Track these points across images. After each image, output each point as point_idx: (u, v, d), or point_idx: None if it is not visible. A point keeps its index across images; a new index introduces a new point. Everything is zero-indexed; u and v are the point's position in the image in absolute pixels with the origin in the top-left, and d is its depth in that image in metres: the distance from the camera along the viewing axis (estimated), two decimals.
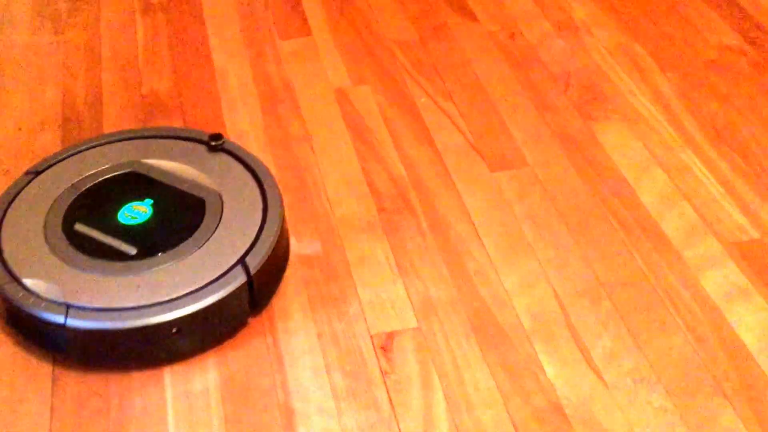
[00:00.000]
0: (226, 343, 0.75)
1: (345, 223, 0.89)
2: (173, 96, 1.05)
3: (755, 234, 0.87)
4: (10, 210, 0.79)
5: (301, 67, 1.10)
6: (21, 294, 0.72)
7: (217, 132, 0.89)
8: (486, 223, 0.89)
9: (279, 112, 1.03)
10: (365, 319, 0.78)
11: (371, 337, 0.76)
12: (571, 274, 0.83)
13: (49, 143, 0.98)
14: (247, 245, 0.76)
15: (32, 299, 0.71)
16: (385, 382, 0.73)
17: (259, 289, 0.76)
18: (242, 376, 0.73)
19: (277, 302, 0.79)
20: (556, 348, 0.76)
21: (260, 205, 0.80)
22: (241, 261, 0.74)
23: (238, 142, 0.98)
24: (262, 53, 1.12)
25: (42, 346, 0.74)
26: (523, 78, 1.08)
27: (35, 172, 0.83)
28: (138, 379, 0.73)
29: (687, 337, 0.77)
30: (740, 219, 0.89)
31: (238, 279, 0.73)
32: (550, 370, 0.74)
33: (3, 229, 0.77)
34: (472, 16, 1.19)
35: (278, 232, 0.78)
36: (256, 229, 0.78)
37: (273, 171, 0.94)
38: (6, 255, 0.75)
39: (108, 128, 1.01)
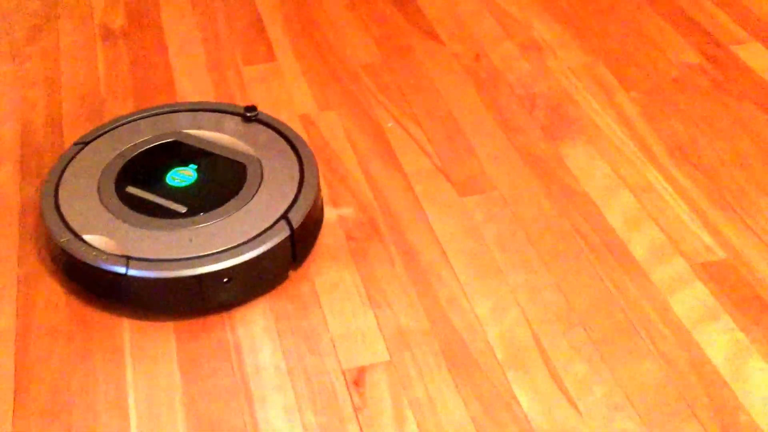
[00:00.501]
0: (267, 294, 0.82)
1: (313, 251, 0.88)
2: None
3: (721, 253, 0.88)
4: (63, 176, 0.86)
5: (265, 93, 1.09)
6: (83, 249, 0.78)
7: (251, 104, 0.95)
8: (456, 249, 0.88)
9: None
10: (336, 353, 0.77)
11: (343, 372, 0.75)
12: (542, 300, 0.83)
13: (8, 180, 0.96)
14: (289, 203, 0.83)
15: (94, 253, 0.78)
16: (357, 418, 0.72)
17: (299, 243, 0.83)
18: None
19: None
20: (529, 377, 0.76)
21: (297, 168, 0.88)
22: (284, 216, 0.82)
23: None
24: (226, 79, 1.11)
25: (103, 297, 0.81)
26: (488, 100, 1.09)
27: (83, 143, 0.90)
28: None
29: (658, 361, 0.77)
30: (706, 238, 0.90)
31: (282, 233, 0.80)
32: (524, 400, 0.74)
33: (60, 193, 0.84)
34: (436, 38, 1.19)
35: (316, 192, 0.86)
36: (295, 189, 0.85)
37: None
38: (65, 215, 0.82)
39: None
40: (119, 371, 0.76)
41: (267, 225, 0.81)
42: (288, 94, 1.09)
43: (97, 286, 0.80)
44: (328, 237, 0.89)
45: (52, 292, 0.82)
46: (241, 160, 0.88)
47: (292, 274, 0.84)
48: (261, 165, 0.87)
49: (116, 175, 0.86)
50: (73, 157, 0.88)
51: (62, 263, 0.82)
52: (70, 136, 1.02)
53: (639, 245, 0.89)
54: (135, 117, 0.94)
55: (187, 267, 0.77)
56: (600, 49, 1.17)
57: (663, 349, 0.78)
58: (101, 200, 0.83)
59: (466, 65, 1.14)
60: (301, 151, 0.89)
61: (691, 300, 0.83)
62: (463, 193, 0.95)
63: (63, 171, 0.87)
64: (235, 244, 0.79)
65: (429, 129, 1.04)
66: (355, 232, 0.90)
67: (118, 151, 0.89)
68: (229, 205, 0.83)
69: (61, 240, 0.79)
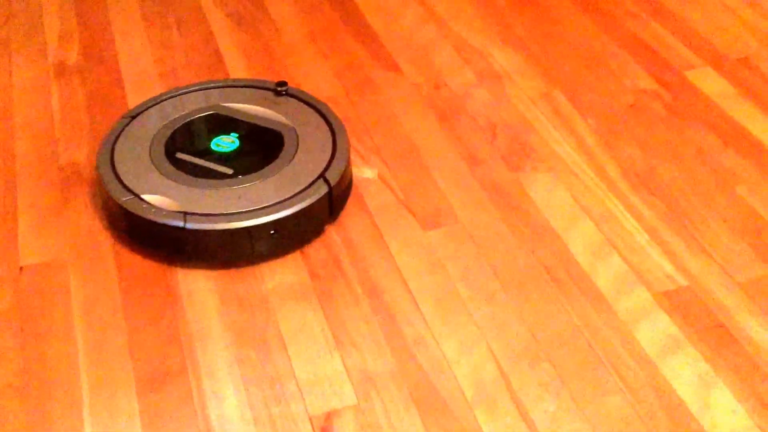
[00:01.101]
0: (306, 247, 0.91)
1: (277, 293, 0.87)
2: (93, 166, 1.01)
3: (683, 281, 0.89)
4: (116, 146, 0.96)
5: None
6: (144, 207, 0.88)
7: (282, 80, 1.05)
8: (421, 286, 0.88)
9: None
10: (303, 399, 0.77)
11: (310, 419, 0.75)
12: (509, 335, 0.83)
13: None
14: (325, 164, 0.93)
15: (154, 210, 0.87)
16: None
17: (336, 200, 0.93)
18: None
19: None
20: (498, 417, 0.75)
21: (329, 135, 0.97)
22: (322, 176, 0.92)
23: None
24: None
25: (163, 250, 0.90)
26: (450, 130, 1.09)
27: (131, 117, 1.00)
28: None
29: (626, 396, 0.77)
30: (667, 267, 0.91)
31: (321, 189, 0.91)
32: None
33: (115, 160, 0.94)
34: (396, 69, 1.19)
35: (348, 155, 0.96)
36: (330, 152, 0.95)
37: None
38: (123, 179, 0.91)
39: (23, 203, 0.97)
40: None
41: (307, 183, 0.91)
42: None
43: (157, 242, 0.89)
44: (292, 275, 0.88)
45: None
46: (277, 129, 0.97)
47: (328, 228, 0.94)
48: (296, 133, 0.97)
49: (165, 143, 0.95)
50: (122, 130, 0.98)
51: (122, 223, 0.91)
52: (23, 176, 1.00)
53: (602, 276, 0.90)
54: (175, 93, 1.04)
55: (239, 220, 0.86)
56: (557, 77, 1.19)
57: (630, 382, 0.79)
58: (154, 165, 0.93)
59: (427, 96, 1.15)
60: (331, 120, 1.00)
61: (655, 331, 0.84)
62: (427, 227, 0.95)
63: (116, 141, 0.96)
64: (279, 200, 0.89)
65: (391, 161, 1.04)
66: (319, 271, 0.89)
67: (163, 123, 0.98)
68: (271, 166, 0.93)
69: (123, 200, 0.89)
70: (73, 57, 1.20)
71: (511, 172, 1.03)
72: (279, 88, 1.02)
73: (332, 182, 0.91)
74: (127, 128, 0.98)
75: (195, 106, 1.01)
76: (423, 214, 0.97)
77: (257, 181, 0.91)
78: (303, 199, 0.89)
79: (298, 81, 1.16)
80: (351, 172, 0.99)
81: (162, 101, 1.01)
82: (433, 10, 1.32)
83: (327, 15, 1.30)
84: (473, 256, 0.92)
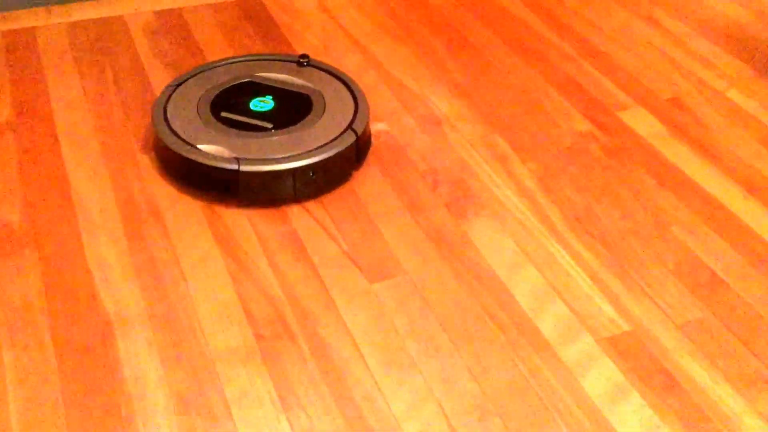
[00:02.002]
0: (335, 191, 1.06)
1: (221, 356, 0.85)
2: (26, 227, 0.99)
3: (626, 326, 0.91)
4: (167, 108, 1.09)
5: (164, 184, 1.06)
6: (201, 155, 1.01)
7: (304, 53, 1.20)
8: (369, 342, 0.88)
9: (144, 234, 0.99)
10: None
11: None
12: (458, 390, 0.83)
13: None
14: (350, 118, 1.09)
15: (211, 157, 1.01)
16: None
17: (360, 148, 1.09)
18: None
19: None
20: None
21: (350, 96, 1.13)
22: (350, 127, 1.08)
23: (101, 273, 0.93)
24: (123, 170, 1.08)
25: (218, 192, 1.03)
26: (392, 178, 1.09)
27: (176, 85, 1.14)
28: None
29: None
30: (610, 311, 0.93)
31: (351, 137, 1.06)
32: None
33: (168, 118, 1.07)
34: None
35: (368, 112, 1.11)
36: (353, 109, 1.11)
37: (141, 303, 0.90)
38: (180, 134, 1.05)
39: None
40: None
41: (338, 133, 1.07)
42: (189, 183, 1.06)
43: (213, 185, 1.02)
44: (235, 339, 0.87)
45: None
46: (305, 92, 1.13)
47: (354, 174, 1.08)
48: (322, 95, 1.12)
49: (210, 104, 1.09)
50: (170, 96, 1.11)
51: (182, 171, 1.04)
52: None
53: (547, 323, 0.91)
54: (209, 67, 1.18)
55: (284, 162, 1.01)
56: (496, 121, 1.20)
57: None
58: (204, 122, 1.07)
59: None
60: (350, 84, 1.15)
61: (600, 378, 0.85)
62: (373, 279, 0.95)
63: (166, 104, 1.10)
64: (315, 146, 1.04)
65: (335, 212, 1.04)
66: (264, 330, 0.88)
67: (204, 89, 1.12)
68: (304, 121, 1.08)
69: (183, 150, 1.02)
70: (5, 114, 1.17)
71: (454, 220, 1.04)
72: (302, 60, 1.17)
73: (359, 132, 1.07)
74: (173, 95, 1.12)
75: (229, 76, 1.16)
76: (368, 265, 0.97)
77: (294, 133, 1.06)
78: (336, 146, 1.04)
79: None
80: (370, 128, 1.14)
81: (198, 74, 1.16)
82: (373, 56, 1.33)
83: None
84: (419, 308, 0.92)
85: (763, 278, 0.97)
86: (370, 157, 1.12)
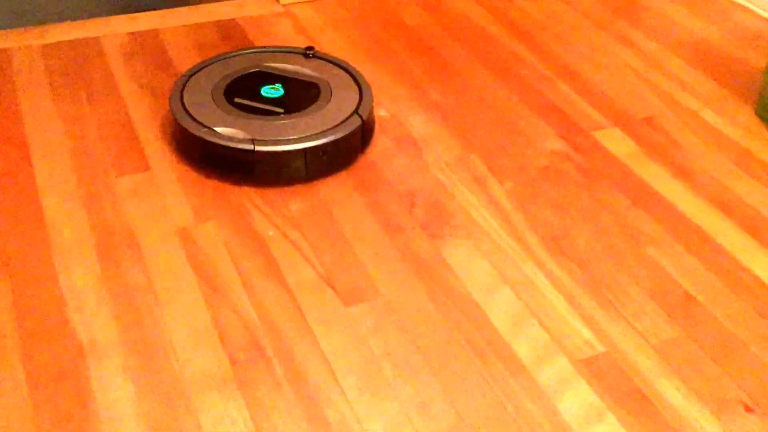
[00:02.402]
0: (342, 172, 1.14)
1: (196, 382, 0.84)
2: None
3: (601, 348, 0.91)
4: (183, 95, 1.16)
5: (140, 207, 1.05)
6: (218, 137, 1.08)
7: (310, 45, 1.28)
8: (344, 366, 0.87)
9: (118, 259, 0.98)
10: None
11: None
12: (434, 414, 0.83)
13: None
14: (356, 104, 1.17)
15: (227, 139, 1.08)
16: None
17: (366, 131, 1.17)
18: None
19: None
20: None
21: (355, 84, 1.21)
22: (356, 111, 1.15)
23: (73, 299, 0.92)
24: (97, 193, 1.07)
25: (235, 172, 1.10)
26: (368, 199, 1.09)
27: (189, 75, 1.20)
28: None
29: None
30: (586, 333, 0.93)
31: (357, 121, 1.14)
32: None
33: (185, 105, 1.14)
34: None
35: (372, 99, 1.18)
36: (358, 96, 1.18)
37: (114, 329, 0.89)
38: (197, 117, 1.12)
39: None
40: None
41: (345, 116, 1.14)
42: (164, 207, 1.06)
43: (229, 165, 1.09)
44: (209, 364, 0.86)
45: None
46: (313, 81, 1.20)
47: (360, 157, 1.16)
48: (328, 84, 1.20)
49: (224, 91, 1.16)
50: (185, 83, 1.18)
51: (199, 153, 1.11)
52: None
53: (523, 345, 0.91)
54: (220, 58, 1.24)
55: (297, 143, 1.08)
56: (473, 141, 1.21)
57: None
58: (219, 107, 1.13)
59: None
60: (354, 74, 1.23)
61: (576, 401, 0.85)
62: (349, 302, 0.95)
63: (182, 91, 1.16)
64: (324, 129, 1.11)
65: (310, 234, 1.04)
66: (239, 355, 0.88)
67: (218, 78, 1.19)
68: (313, 107, 1.15)
69: (200, 132, 1.08)
70: None
71: (430, 241, 1.04)
72: (308, 52, 1.25)
73: (364, 117, 1.15)
74: (187, 84, 1.18)
75: (240, 66, 1.22)
76: (344, 289, 0.97)
77: (304, 117, 1.13)
78: (344, 129, 1.12)
79: None
80: (374, 113, 1.24)
81: (210, 64, 1.23)
82: None
83: None
84: (395, 331, 0.92)
85: (735, 297, 0.98)
86: (345, 178, 1.12)
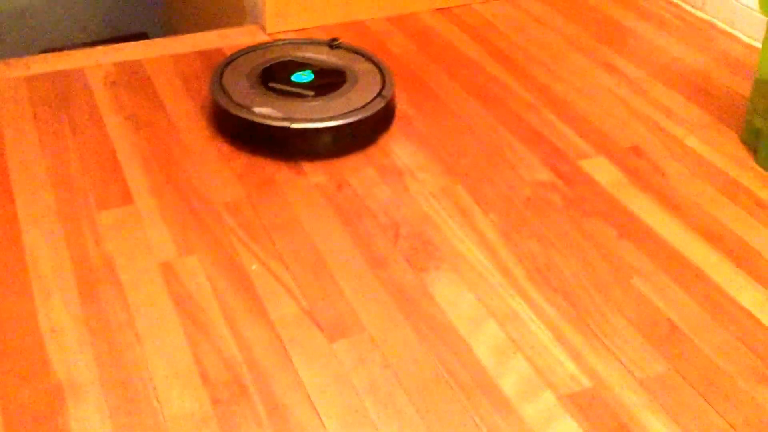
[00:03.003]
0: (368, 148, 1.25)
1: (176, 422, 0.83)
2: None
3: (587, 383, 0.90)
4: (222, 80, 1.27)
5: (122, 241, 1.04)
6: (257, 116, 1.19)
7: (334, 37, 1.39)
8: (327, 402, 0.86)
9: (99, 296, 0.97)
10: None
11: None
12: None
13: None
14: (380, 87, 1.28)
15: (265, 118, 1.19)
16: None
17: (389, 111, 1.28)
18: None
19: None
20: None
21: (377, 71, 1.32)
22: (380, 94, 1.26)
23: (53, 337, 0.91)
24: (79, 228, 1.06)
25: (270, 149, 1.21)
26: (352, 231, 1.09)
27: (226, 63, 1.31)
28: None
29: None
30: (571, 367, 0.92)
31: (381, 101, 1.25)
32: None
33: (225, 88, 1.25)
34: (298, 169, 1.19)
35: (393, 84, 1.29)
36: (381, 81, 1.29)
37: (94, 368, 0.88)
38: (237, 100, 1.22)
39: None
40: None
41: (371, 98, 1.25)
42: (146, 241, 1.05)
43: (267, 142, 1.20)
44: (190, 404, 0.85)
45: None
46: (339, 68, 1.31)
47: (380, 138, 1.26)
48: (354, 70, 1.31)
49: (258, 77, 1.27)
50: (223, 69, 1.29)
51: (238, 132, 1.22)
52: None
53: (508, 379, 0.90)
54: (250, 50, 1.35)
55: (329, 121, 1.19)
56: (458, 171, 1.21)
57: None
58: (255, 91, 1.24)
59: (329, 195, 1.14)
60: (377, 61, 1.34)
61: None
62: (332, 338, 0.94)
63: (221, 76, 1.27)
64: (351, 109, 1.22)
65: (294, 268, 1.03)
66: (221, 394, 0.86)
67: (251, 67, 1.30)
68: (342, 90, 1.26)
69: (240, 112, 1.19)
70: None
71: (414, 274, 1.03)
72: (333, 43, 1.36)
73: (387, 97, 1.26)
74: (225, 69, 1.29)
75: (271, 56, 1.33)
76: (328, 324, 0.96)
77: (333, 99, 1.23)
78: (369, 109, 1.23)
79: (196, 185, 1.14)
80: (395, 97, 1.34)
81: (242, 55, 1.34)
82: None
83: None
84: (379, 366, 0.91)
85: (720, 328, 0.97)
86: (330, 211, 1.12)
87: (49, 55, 1.39)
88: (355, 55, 1.35)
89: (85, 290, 0.97)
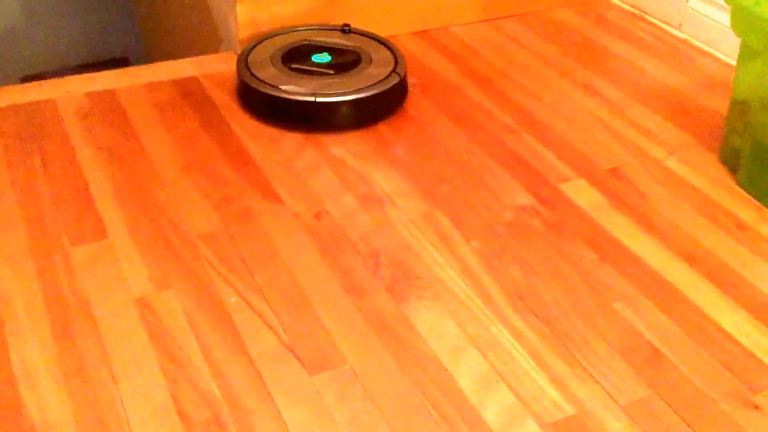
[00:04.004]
0: (385, 121, 1.37)
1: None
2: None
3: (570, 410, 0.89)
4: (248, 61, 1.40)
5: (96, 277, 1.02)
6: (284, 92, 1.32)
7: (346, 23, 1.51)
8: None
9: (73, 334, 0.95)
10: None
11: None
12: None
13: None
14: (393, 66, 1.41)
15: (292, 93, 1.32)
16: None
17: (403, 88, 1.42)
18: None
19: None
20: None
21: (389, 52, 1.45)
22: (394, 70, 1.40)
23: (26, 379, 0.89)
24: (52, 265, 1.04)
25: (296, 122, 1.34)
26: (332, 261, 1.07)
27: (251, 47, 1.44)
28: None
29: None
30: (554, 394, 0.91)
31: (396, 77, 1.38)
32: None
33: (251, 69, 1.38)
34: (276, 199, 1.17)
35: (405, 62, 1.43)
36: (393, 61, 1.43)
37: (68, 409, 0.86)
38: (262, 79, 1.35)
39: None
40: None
41: (387, 74, 1.39)
42: (121, 276, 1.03)
43: (294, 115, 1.33)
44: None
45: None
46: (354, 50, 1.44)
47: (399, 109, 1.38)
48: (368, 52, 1.44)
49: (281, 60, 1.40)
50: (248, 54, 1.42)
51: (265, 108, 1.35)
52: None
53: (491, 409, 0.89)
54: (271, 35, 1.49)
55: (351, 95, 1.33)
56: (438, 197, 1.20)
57: None
58: (280, 71, 1.37)
59: (308, 225, 1.13)
60: (389, 45, 1.47)
61: None
62: (313, 371, 0.92)
63: (246, 59, 1.41)
64: (369, 84, 1.35)
65: (273, 300, 1.01)
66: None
67: (272, 51, 1.43)
68: (359, 68, 1.40)
69: (270, 90, 1.33)
70: None
71: (396, 303, 1.02)
72: (345, 28, 1.49)
73: (401, 75, 1.39)
74: (250, 54, 1.42)
75: (290, 40, 1.46)
76: (308, 357, 0.94)
77: (352, 77, 1.37)
78: (389, 81, 1.37)
79: (172, 217, 1.13)
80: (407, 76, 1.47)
81: (260, 43, 1.46)
82: (313, 134, 1.32)
83: (203, 144, 1.28)
84: (360, 399, 0.89)
85: (703, 351, 0.97)
86: (309, 240, 1.10)
87: (18, 86, 1.37)
88: (366, 38, 1.49)
89: (59, 329, 0.95)
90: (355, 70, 1.38)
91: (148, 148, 1.26)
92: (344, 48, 1.44)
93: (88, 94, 1.37)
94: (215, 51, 1.58)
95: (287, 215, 1.15)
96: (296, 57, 1.41)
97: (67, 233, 1.09)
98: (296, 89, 1.31)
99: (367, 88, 1.34)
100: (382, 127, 1.34)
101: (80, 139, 1.27)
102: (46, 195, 1.15)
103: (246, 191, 1.18)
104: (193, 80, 1.43)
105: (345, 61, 1.40)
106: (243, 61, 1.40)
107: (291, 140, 1.30)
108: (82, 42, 2.50)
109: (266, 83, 1.34)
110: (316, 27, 1.50)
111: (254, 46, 1.44)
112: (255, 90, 1.34)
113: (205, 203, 1.16)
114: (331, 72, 1.36)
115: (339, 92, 1.32)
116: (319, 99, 1.30)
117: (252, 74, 1.36)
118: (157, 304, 0.99)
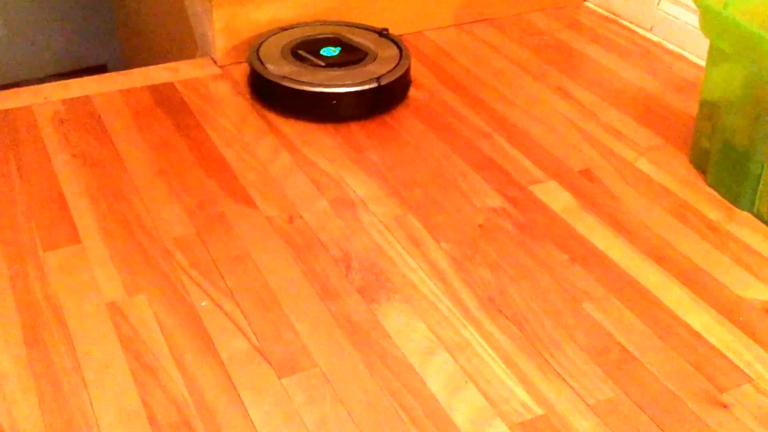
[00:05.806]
0: (390, 112, 1.42)
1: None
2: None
3: (538, 410, 0.90)
4: (259, 53, 1.45)
5: (69, 282, 1.03)
6: (271, 74, 1.40)
7: (384, 27, 1.55)
8: None
9: (44, 340, 0.95)
10: None
11: None
12: None
13: None
14: (397, 60, 1.47)
15: (307, 85, 1.38)
16: None
17: (406, 85, 1.48)
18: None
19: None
20: None
21: (397, 52, 1.50)
22: (381, 76, 1.42)
23: None
24: (24, 271, 1.04)
25: (316, 115, 1.40)
26: (304, 265, 1.08)
27: (266, 37, 1.50)
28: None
29: None
30: (523, 395, 0.92)
31: (400, 70, 1.44)
32: None
33: (261, 60, 1.44)
34: (249, 203, 1.18)
35: (409, 61, 1.48)
36: (397, 58, 1.48)
37: (38, 416, 0.86)
38: (269, 68, 1.41)
39: None
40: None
41: (391, 68, 1.43)
42: (93, 280, 1.03)
43: (313, 107, 1.40)
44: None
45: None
46: (364, 50, 1.49)
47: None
48: (376, 53, 1.48)
49: (294, 47, 1.48)
50: (263, 41, 1.49)
51: (274, 94, 1.40)
52: None
53: (460, 410, 0.90)
54: (289, 28, 1.55)
55: (360, 85, 1.38)
56: (410, 200, 1.21)
57: None
58: (287, 60, 1.43)
59: (281, 229, 1.14)
60: (399, 43, 1.52)
61: None
62: (282, 374, 0.93)
63: (259, 48, 1.47)
64: (376, 77, 1.40)
65: (245, 304, 1.02)
66: None
67: (288, 41, 1.49)
68: (363, 62, 1.45)
69: (275, 76, 1.39)
70: None
71: (366, 306, 1.02)
72: (382, 32, 1.53)
73: (380, 82, 1.41)
74: (265, 42, 1.48)
75: (306, 33, 1.53)
76: (278, 360, 0.95)
77: (359, 68, 1.43)
78: (395, 73, 1.42)
79: (145, 221, 1.13)
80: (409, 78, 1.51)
81: (288, 29, 1.54)
82: (287, 139, 1.33)
83: (178, 149, 1.28)
84: (330, 402, 0.90)
85: (672, 352, 0.98)
86: (281, 244, 1.11)
87: None
88: (390, 43, 1.52)
89: (30, 336, 0.95)
90: (360, 62, 1.43)
91: (124, 153, 1.26)
92: (356, 47, 1.48)
93: (65, 101, 1.37)
94: (192, 56, 1.59)
95: (260, 219, 1.15)
96: (306, 49, 1.47)
97: (41, 238, 1.09)
98: (279, 70, 1.39)
99: (368, 81, 1.38)
100: (357, 131, 1.35)
101: (56, 145, 1.27)
102: (21, 201, 1.15)
103: (220, 196, 1.19)
104: (169, 86, 1.43)
105: (352, 57, 1.45)
106: (255, 48, 1.47)
107: (266, 145, 1.31)
108: (62, 50, 2.50)
109: (263, 64, 1.42)
110: (354, 25, 1.56)
111: (266, 39, 1.49)
112: (262, 78, 1.41)
113: (179, 208, 1.16)
114: (322, 65, 1.42)
115: (345, 83, 1.37)
116: (335, 90, 1.37)
117: (261, 62, 1.42)
118: (128, 309, 1.00)
